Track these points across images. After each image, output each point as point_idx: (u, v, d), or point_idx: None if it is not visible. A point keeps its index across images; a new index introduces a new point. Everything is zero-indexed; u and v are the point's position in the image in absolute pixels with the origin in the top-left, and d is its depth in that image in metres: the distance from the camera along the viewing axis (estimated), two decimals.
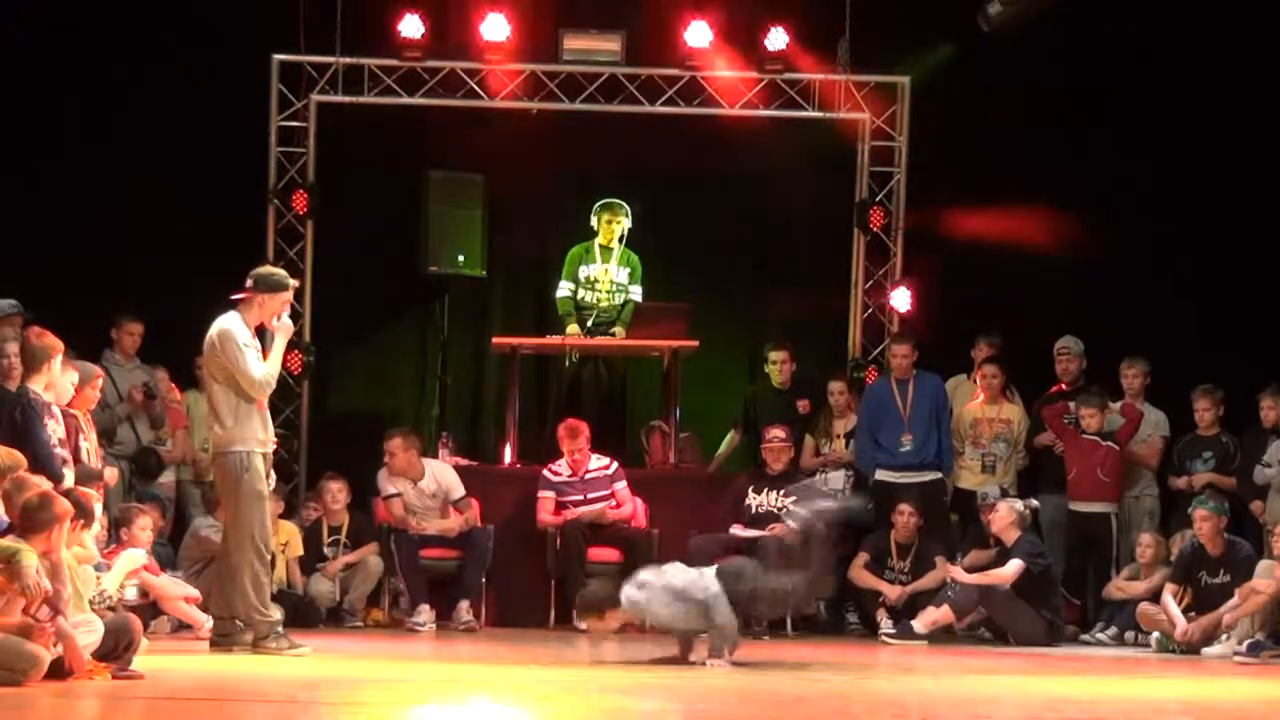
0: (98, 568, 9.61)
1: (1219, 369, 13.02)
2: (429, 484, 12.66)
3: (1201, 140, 13.88)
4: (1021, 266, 13.78)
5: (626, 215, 13.59)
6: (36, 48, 13.51)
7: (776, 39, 14.04)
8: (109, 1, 13.61)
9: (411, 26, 13.87)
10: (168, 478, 12.74)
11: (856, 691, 8.44)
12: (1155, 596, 12.03)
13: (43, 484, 8.33)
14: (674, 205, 14.41)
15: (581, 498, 12.78)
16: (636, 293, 13.58)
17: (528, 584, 12.79)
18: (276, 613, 9.82)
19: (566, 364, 13.60)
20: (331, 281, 13.99)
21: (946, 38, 13.93)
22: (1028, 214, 13.96)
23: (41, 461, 9.01)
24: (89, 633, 7.90)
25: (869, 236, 14.42)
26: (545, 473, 12.85)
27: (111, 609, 8.92)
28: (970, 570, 12.25)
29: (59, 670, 7.64)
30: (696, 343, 13.19)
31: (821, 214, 14.58)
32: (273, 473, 9.98)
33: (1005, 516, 12.13)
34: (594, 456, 12.85)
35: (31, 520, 7.84)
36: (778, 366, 13.45)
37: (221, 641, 9.75)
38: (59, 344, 9.66)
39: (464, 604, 12.35)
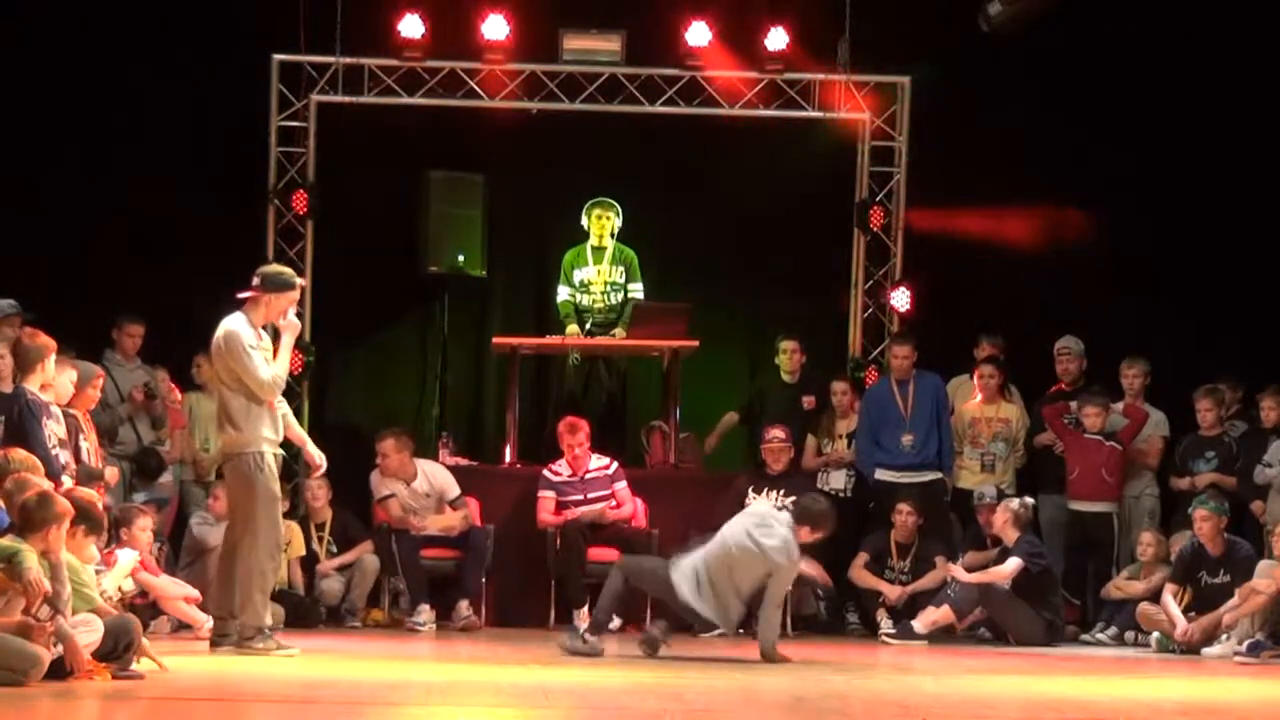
0: (98, 569, 9.59)
1: (1219, 369, 13.02)
2: (422, 485, 12.65)
3: (1202, 140, 13.89)
4: (1021, 266, 13.79)
5: (617, 213, 13.63)
6: (36, 48, 13.51)
7: (776, 39, 14.03)
8: (109, 1, 13.62)
9: (411, 26, 13.87)
10: (168, 478, 12.74)
11: (856, 691, 8.44)
12: (1155, 596, 12.03)
13: (44, 484, 8.33)
14: (674, 205, 14.42)
15: (581, 498, 12.78)
16: (637, 289, 13.62)
17: (528, 584, 12.79)
18: (268, 617, 9.81)
19: (570, 365, 13.62)
20: (331, 281, 13.99)
21: (947, 38, 13.92)
22: (1028, 214, 13.98)
23: (40, 462, 8.99)
24: (89, 633, 7.90)
25: (869, 236, 14.41)
26: (545, 473, 12.86)
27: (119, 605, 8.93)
28: (969, 570, 12.25)
29: (59, 670, 7.64)
30: (696, 343, 13.19)
31: (822, 214, 14.58)
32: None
33: (1003, 516, 12.14)
34: (594, 456, 12.85)
35: (30, 519, 7.83)
36: (788, 356, 13.49)
37: (221, 642, 9.74)
38: (52, 343, 9.64)
39: (464, 604, 12.35)
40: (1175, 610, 11.74)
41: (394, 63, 13.99)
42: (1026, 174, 13.89)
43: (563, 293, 13.62)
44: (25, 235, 13.27)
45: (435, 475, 12.75)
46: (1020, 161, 13.87)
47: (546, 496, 12.79)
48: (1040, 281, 13.81)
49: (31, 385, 9.50)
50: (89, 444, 10.11)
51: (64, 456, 9.54)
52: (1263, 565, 11.33)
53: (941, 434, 12.91)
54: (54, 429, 9.50)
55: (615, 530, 12.71)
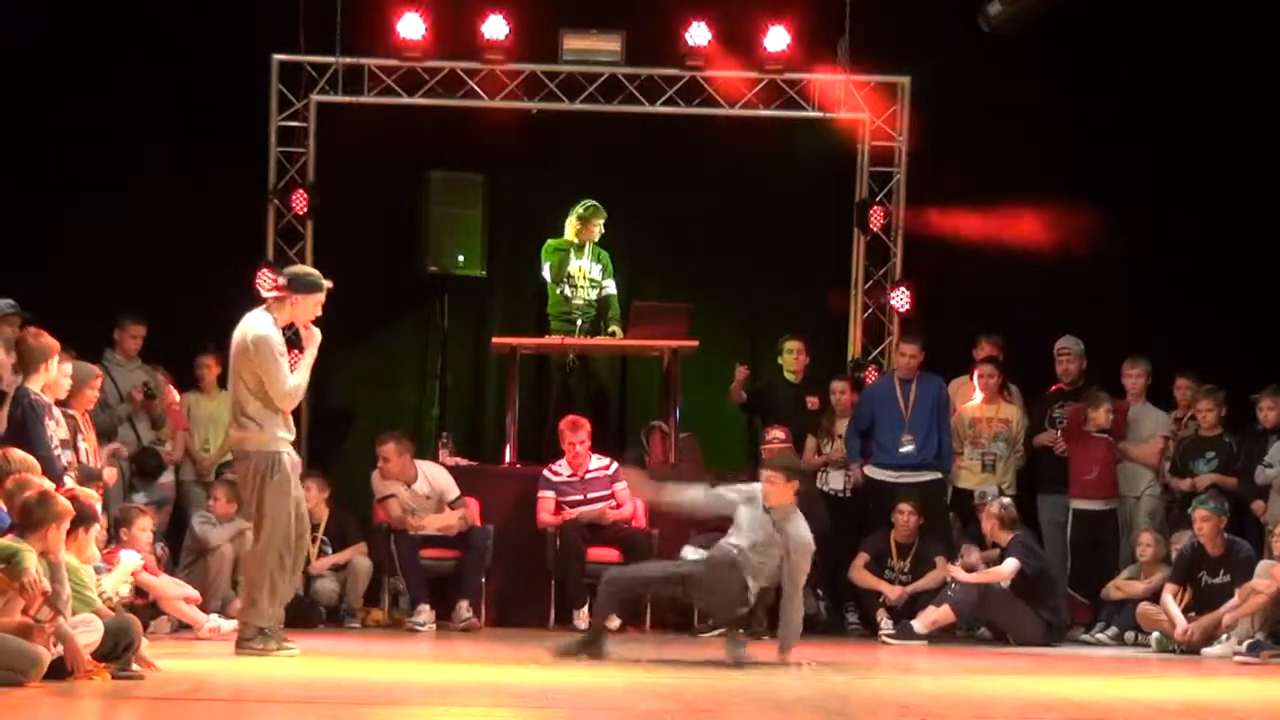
0: (98, 569, 9.59)
1: (1219, 369, 13.02)
2: (422, 486, 12.65)
3: (1202, 140, 13.88)
4: (1021, 266, 13.78)
5: (604, 217, 13.68)
6: (36, 48, 13.51)
7: (776, 39, 14.03)
8: (109, 1, 13.61)
9: (411, 26, 13.87)
10: (168, 478, 12.74)
11: (856, 691, 8.44)
12: (1155, 596, 12.04)
13: (44, 484, 8.33)
14: (674, 205, 14.41)
15: (581, 498, 12.78)
16: (611, 286, 13.72)
17: (528, 584, 12.80)
18: (270, 619, 9.76)
19: (569, 365, 13.65)
20: (331, 281, 13.93)
21: (947, 38, 13.91)
22: (1028, 213, 13.96)
23: (41, 463, 8.99)
24: (89, 633, 7.90)
25: (869, 236, 14.42)
26: (545, 473, 12.86)
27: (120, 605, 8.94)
28: (969, 570, 12.26)
29: (59, 670, 7.64)
30: (696, 343, 13.20)
31: (821, 214, 14.58)
32: None
33: (989, 522, 12.20)
34: (594, 456, 12.86)
35: (29, 518, 7.83)
36: (793, 355, 13.51)
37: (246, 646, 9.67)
38: (55, 344, 9.60)
39: (464, 604, 12.35)
40: (1175, 610, 11.74)
41: (394, 63, 13.99)
42: (1026, 174, 13.88)
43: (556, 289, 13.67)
44: (25, 235, 13.26)
45: (435, 477, 12.75)
46: (1020, 162, 13.86)
47: (546, 496, 12.79)
48: (1040, 281, 13.80)
49: (34, 385, 9.48)
50: (88, 444, 10.11)
51: (66, 457, 9.53)
52: (1263, 565, 11.33)
53: (941, 435, 12.91)
54: (56, 430, 9.49)
55: (615, 530, 12.72)
